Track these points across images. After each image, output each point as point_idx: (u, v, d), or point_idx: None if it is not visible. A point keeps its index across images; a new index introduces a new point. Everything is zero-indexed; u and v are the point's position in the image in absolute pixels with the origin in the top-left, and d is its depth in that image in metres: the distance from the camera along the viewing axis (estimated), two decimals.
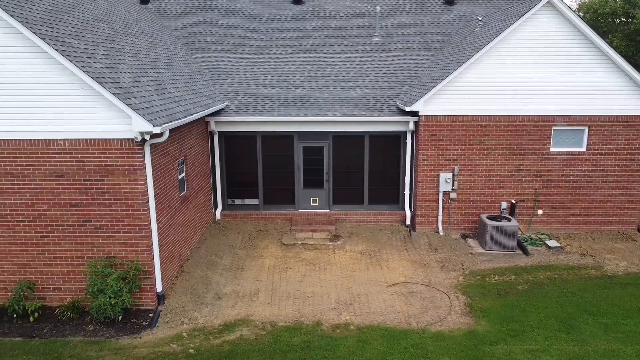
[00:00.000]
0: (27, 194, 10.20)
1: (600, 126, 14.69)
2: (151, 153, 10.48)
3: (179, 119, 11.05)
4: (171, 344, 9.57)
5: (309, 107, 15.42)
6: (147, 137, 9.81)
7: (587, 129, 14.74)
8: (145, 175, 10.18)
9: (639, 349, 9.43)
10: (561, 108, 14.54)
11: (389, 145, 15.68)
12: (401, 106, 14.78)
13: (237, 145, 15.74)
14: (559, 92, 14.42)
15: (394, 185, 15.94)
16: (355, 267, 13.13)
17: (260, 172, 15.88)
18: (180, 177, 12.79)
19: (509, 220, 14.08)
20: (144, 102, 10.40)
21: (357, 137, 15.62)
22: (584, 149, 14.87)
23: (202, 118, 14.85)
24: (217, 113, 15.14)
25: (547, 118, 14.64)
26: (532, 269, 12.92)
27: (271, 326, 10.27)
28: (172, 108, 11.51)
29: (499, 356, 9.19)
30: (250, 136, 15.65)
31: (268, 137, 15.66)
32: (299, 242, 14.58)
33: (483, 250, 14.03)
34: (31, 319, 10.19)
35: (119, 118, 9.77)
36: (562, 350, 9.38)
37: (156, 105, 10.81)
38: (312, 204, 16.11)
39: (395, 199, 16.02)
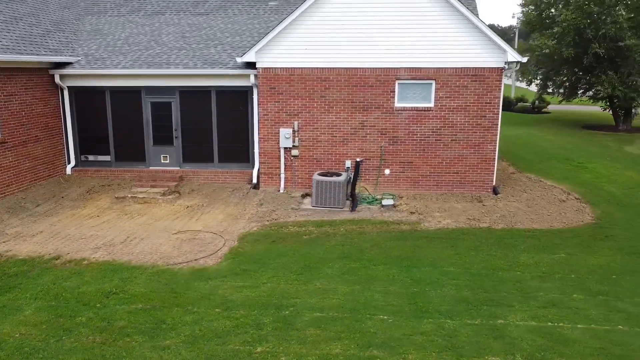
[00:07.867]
0: None
1: (448, 80, 13.67)
2: None
3: None
4: None
5: (157, 61, 15.10)
6: None
7: (434, 82, 13.75)
8: None
9: (351, 290, 8.58)
10: (405, 60, 13.63)
11: (236, 102, 15.14)
12: (238, 59, 14.24)
13: (87, 101, 15.56)
14: (403, 43, 13.52)
15: (244, 143, 15.36)
16: (167, 217, 12.66)
17: (110, 129, 15.63)
18: None
19: (339, 175, 13.28)
20: None
21: (204, 92, 15.14)
22: (432, 104, 13.88)
23: (46, 71, 14.78)
24: (64, 67, 15.03)
25: (390, 71, 13.74)
26: (341, 222, 12.09)
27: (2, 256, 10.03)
28: None
29: (201, 289, 8.54)
30: (100, 91, 15.43)
31: (117, 92, 15.39)
32: (130, 196, 14.22)
33: (310, 207, 13.28)
34: None
35: None
36: (271, 287, 8.64)
37: None
38: (162, 161, 15.74)
39: (246, 157, 15.43)
